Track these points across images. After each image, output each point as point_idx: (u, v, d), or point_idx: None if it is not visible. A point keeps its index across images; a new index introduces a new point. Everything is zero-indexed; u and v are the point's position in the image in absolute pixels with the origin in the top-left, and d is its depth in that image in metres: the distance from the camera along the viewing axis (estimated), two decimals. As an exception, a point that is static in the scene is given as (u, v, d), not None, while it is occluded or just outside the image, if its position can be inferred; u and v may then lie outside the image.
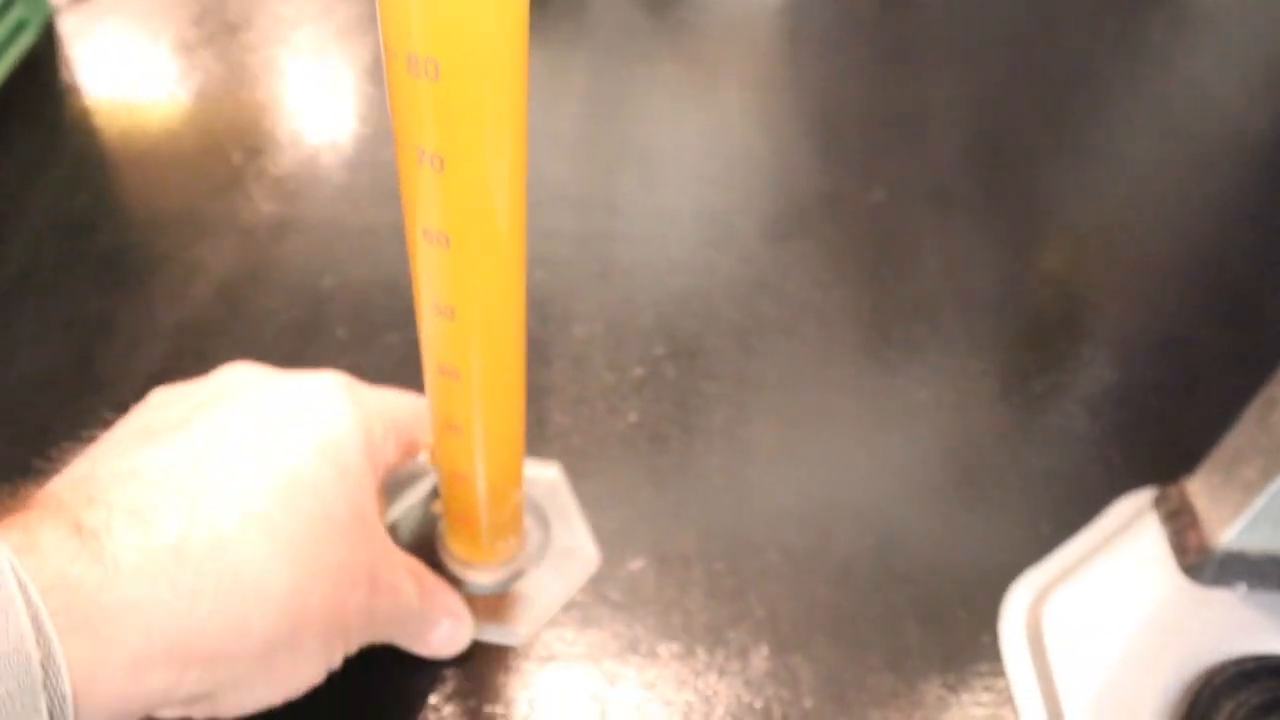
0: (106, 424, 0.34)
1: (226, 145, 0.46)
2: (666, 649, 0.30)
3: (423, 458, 0.31)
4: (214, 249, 0.41)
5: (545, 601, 0.31)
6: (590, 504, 0.34)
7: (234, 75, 0.50)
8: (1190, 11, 0.64)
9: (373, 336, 0.38)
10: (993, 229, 0.45)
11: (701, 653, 0.30)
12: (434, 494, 0.33)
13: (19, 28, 0.50)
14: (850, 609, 0.32)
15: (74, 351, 0.37)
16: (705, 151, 0.48)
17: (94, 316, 0.38)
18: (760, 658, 0.30)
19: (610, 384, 0.37)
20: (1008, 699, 0.30)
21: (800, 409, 0.37)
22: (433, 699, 0.29)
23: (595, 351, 0.38)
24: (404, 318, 0.39)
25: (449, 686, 0.30)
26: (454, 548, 0.32)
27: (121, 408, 0.34)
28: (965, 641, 0.32)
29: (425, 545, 0.32)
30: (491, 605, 0.31)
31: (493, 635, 0.31)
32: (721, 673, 0.30)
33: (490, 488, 0.28)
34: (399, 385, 0.35)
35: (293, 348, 0.38)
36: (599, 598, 0.32)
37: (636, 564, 0.32)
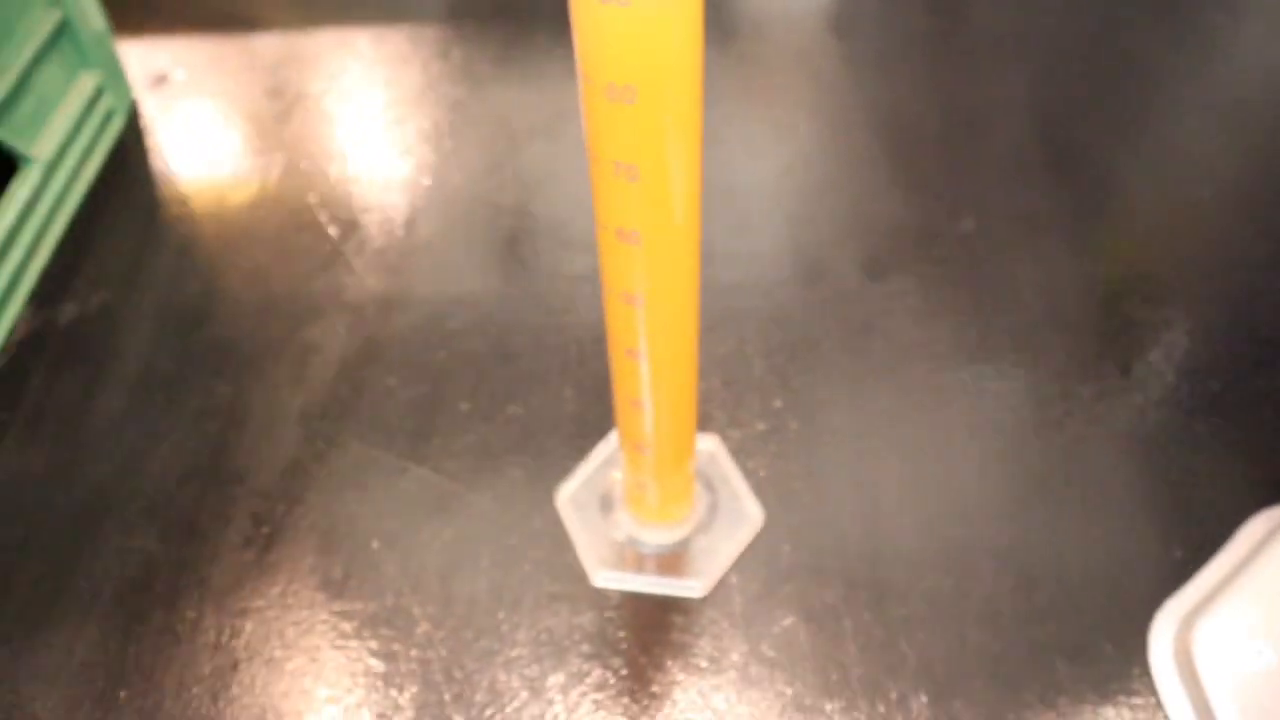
0: (253, 516, 0.35)
1: (321, 219, 0.47)
2: (831, 705, 0.31)
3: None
4: (326, 329, 0.42)
5: (720, 557, 0.34)
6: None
7: (317, 146, 0.51)
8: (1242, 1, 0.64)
9: (495, 409, 0.39)
10: (1082, 244, 0.46)
11: (864, 705, 0.31)
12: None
13: (108, 118, 0.51)
14: (998, 649, 0.33)
15: (208, 442, 0.38)
16: (789, 189, 0.48)
17: (222, 406, 0.39)
18: (920, 705, 0.31)
19: (737, 440, 0.38)
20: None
21: (919, 449, 0.38)
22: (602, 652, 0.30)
23: (715, 410, 0.39)
24: (523, 387, 0.40)
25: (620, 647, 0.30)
26: (634, 511, 0.34)
27: (265, 496, 0.35)
28: (1115, 674, 0.32)
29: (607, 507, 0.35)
30: (669, 562, 0.34)
31: (673, 589, 0.33)
32: (885, 725, 0.31)
33: (665, 456, 0.31)
34: (525, 457, 0.36)
35: (419, 424, 0.39)
36: (755, 656, 0.32)
37: (787, 621, 0.33)
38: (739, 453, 0.37)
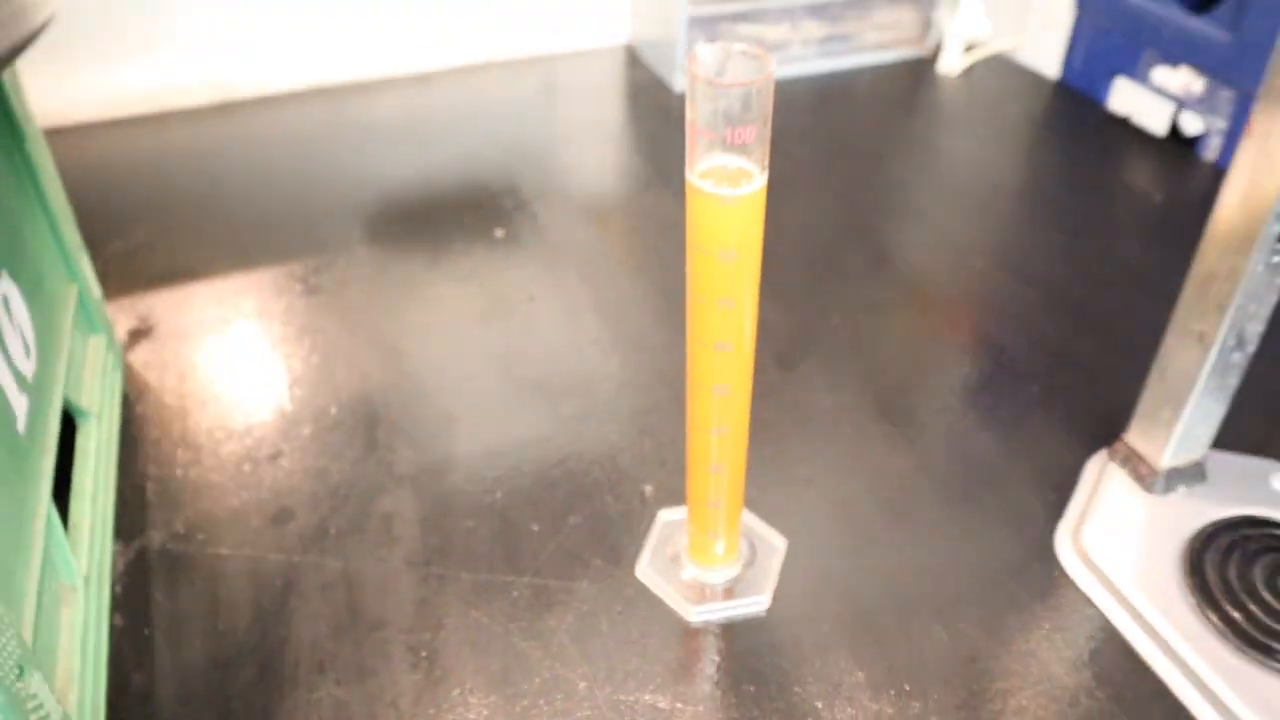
0: (409, 648, 0.43)
1: (346, 418, 0.56)
2: (866, 639, 0.44)
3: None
4: (395, 498, 0.51)
5: (767, 580, 0.47)
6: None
7: (320, 362, 0.60)
8: (944, 116, 0.88)
9: (559, 522, 0.50)
10: (911, 312, 0.63)
11: (879, 632, 0.44)
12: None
13: (113, 370, 0.57)
14: (960, 582, 0.47)
15: (341, 605, 0.46)
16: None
17: (337, 577, 0.47)
18: (924, 621, 0.44)
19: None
20: (1084, 596, 0.46)
21: (854, 475, 0.52)
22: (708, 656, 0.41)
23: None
24: (574, 502, 0.51)
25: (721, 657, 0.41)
26: (700, 561, 0.47)
27: (410, 630, 0.43)
28: (1044, 578, 0.47)
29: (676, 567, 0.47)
30: (729, 590, 0.46)
31: (742, 609, 0.46)
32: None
33: (732, 508, 0.44)
34: (600, 549, 0.47)
35: (506, 548, 0.48)
36: (811, 624, 0.45)
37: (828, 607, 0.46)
38: (751, 504, 0.50)
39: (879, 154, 0.84)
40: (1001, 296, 0.66)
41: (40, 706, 0.35)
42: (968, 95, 0.95)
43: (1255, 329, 0.46)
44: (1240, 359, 0.47)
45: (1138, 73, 0.89)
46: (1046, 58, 0.98)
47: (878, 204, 0.77)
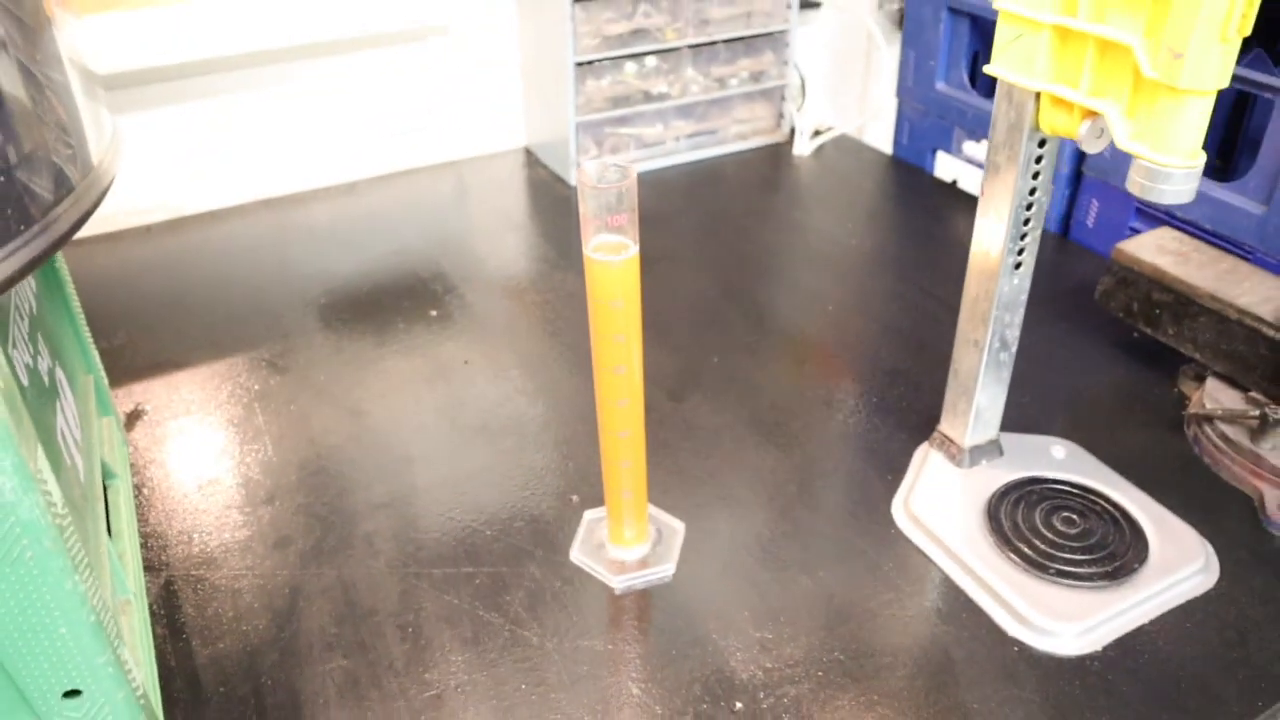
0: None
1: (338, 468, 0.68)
2: (766, 576, 0.58)
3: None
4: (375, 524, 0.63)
5: (672, 554, 0.60)
6: (683, 551, 0.61)
7: (291, 436, 0.72)
8: (799, 189, 1.06)
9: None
10: (777, 350, 0.79)
11: (763, 574, 0.58)
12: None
13: (121, 445, 0.69)
14: (835, 543, 0.61)
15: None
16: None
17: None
18: (797, 573, 0.59)
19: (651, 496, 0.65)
20: (915, 547, 0.61)
21: (739, 478, 0.67)
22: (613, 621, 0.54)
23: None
24: (498, 548, 0.64)
25: (630, 614, 0.55)
26: (618, 543, 0.60)
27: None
28: (883, 535, 0.62)
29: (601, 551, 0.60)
30: (642, 563, 0.59)
31: (654, 576, 0.59)
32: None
33: (638, 497, 0.57)
34: (539, 555, 0.60)
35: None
36: (704, 582, 0.58)
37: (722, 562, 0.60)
38: (656, 500, 0.64)
39: (746, 226, 1.01)
40: (847, 332, 0.82)
41: (131, 673, 0.46)
42: (819, 172, 1.13)
43: (1013, 334, 0.62)
44: (1006, 358, 0.63)
45: (952, 146, 1.08)
46: (881, 137, 1.18)
47: (747, 267, 0.93)
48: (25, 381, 0.46)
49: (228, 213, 1.05)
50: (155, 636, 0.56)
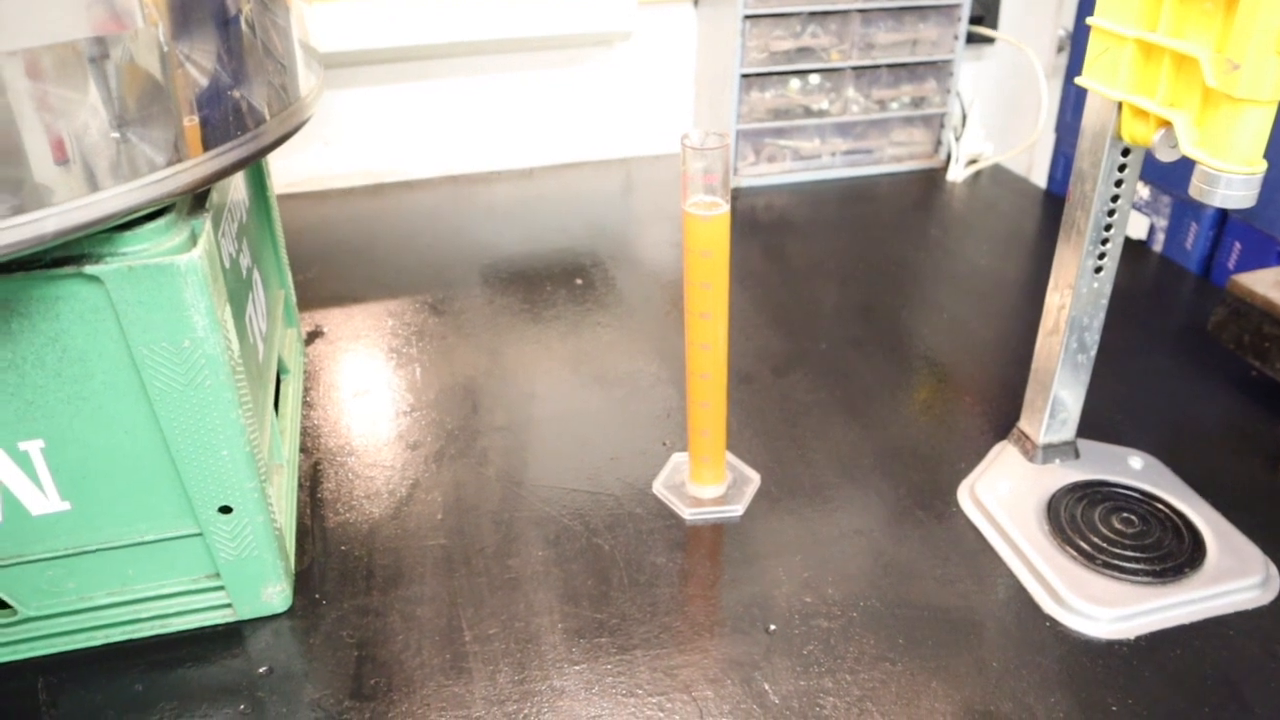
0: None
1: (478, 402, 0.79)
2: (811, 513, 0.63)
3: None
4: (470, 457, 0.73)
5: (743, 499, 0.66)
6: (752, 498, 0.67)
7: (443, 373, 0.83)
8: (947, 214, 1.09)
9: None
10: (888, 350, 0.84)
11: (812, 506, 0.63)
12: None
13: (302, 353, 0.81)
14: (897, 513, 0.66)
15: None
16: (719, 341, 0.85)
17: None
18: (856, 531, 0.64)
19: (738, 450, 0.71)
20: (971, 525, 0.65)
21: (831, 442, 0.72)
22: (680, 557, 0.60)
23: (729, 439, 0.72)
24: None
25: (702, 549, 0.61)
26: (697, 481, 0.66)
27: None
28: (945, 513, 0.66)
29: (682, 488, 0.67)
30: (715, 501, 0.66)
31: (723, 514, 0.65)
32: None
33: (717, 437, 0.64)
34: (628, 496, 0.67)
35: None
36: (775, 531, 0.64)
37: (785, 518, 0.65)
38: (740, 455, 0.71)
39: (885, 239, 1.05)
40: (958, 340, 0.86)
41: (273, 510, 0.57)
42: (968, 199, 1.16)
43: (1092, 337, 0.65)
44: (1085, 360, 0.66)
45: (1104, 183, 1.09)
46: (1036, 169, 1.19)
47: (877, 276, 0.98)
48: (226, 265, 0.58)
49: (418, 183, 1.19)
50: (299, 502, 0.67)
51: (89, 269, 0.46)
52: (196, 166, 0.49)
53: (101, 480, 0.52)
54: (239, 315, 0.59)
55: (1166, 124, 0.53)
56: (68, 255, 0.46)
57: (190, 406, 0.50)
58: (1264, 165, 0.50)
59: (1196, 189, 0.51)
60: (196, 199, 0.53)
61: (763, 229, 1.09)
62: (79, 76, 0.43)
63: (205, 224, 0.50)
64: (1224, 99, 0.49)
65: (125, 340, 0.48)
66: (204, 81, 0.50)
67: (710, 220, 0.56)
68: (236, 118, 0.52)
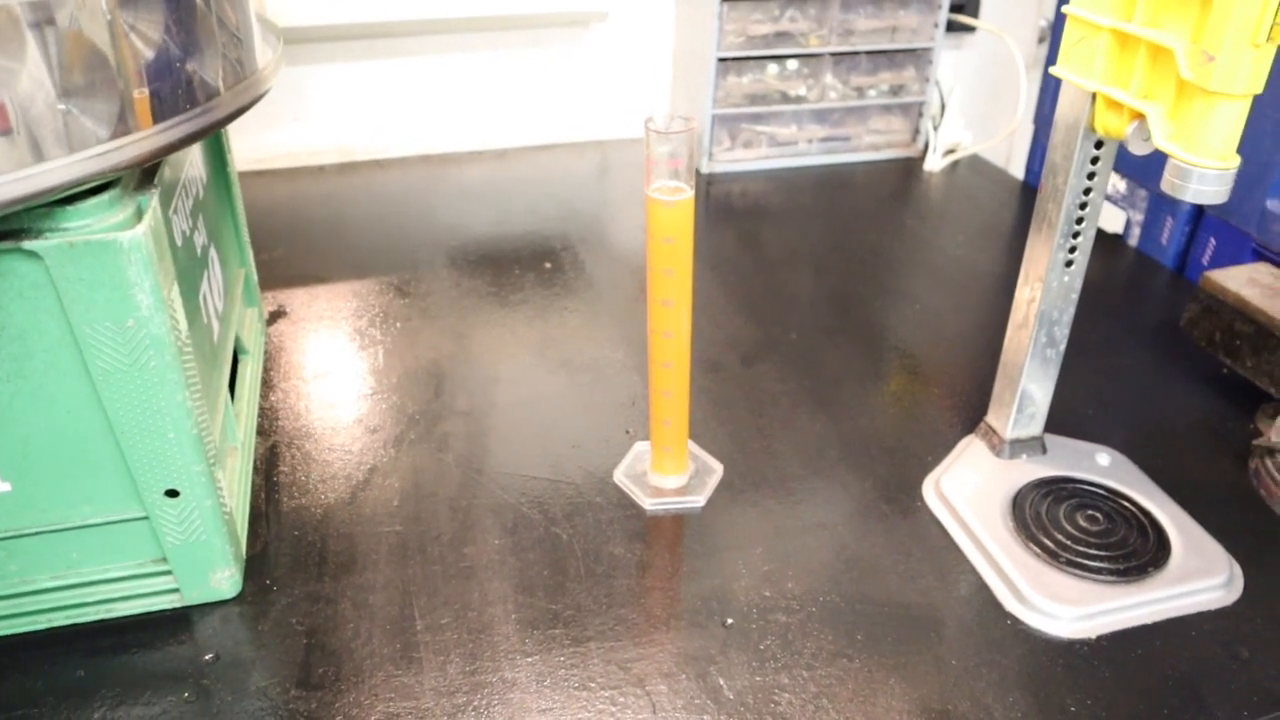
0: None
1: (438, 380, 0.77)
2: (772, 502, 0.62)
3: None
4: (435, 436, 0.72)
5: (705, 489, 0.65)
6: (716, 489, 0.66)
7: (412, 351, 0.82)
8: (923, 203, 1.09)
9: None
10: (859, 340, 0.83)
11: (773, 496, 0.63)
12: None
13: (263, 335, 0.80)
14: (864, 504, 0.65)
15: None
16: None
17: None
18: (819, 531, 0.63)
19: (701, 440, 0.70)
20: (935, 520, 0.64)
21: (793, 430, 0.71)
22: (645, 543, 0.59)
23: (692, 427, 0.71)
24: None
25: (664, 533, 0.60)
26: (659, 470, 0.65)
27: None
28: (909, 506, 0.65)
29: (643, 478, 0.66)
30: (676, 491, 0.65)
31: (684, 505, 0.64)
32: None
33: (679, 426, 0.63)
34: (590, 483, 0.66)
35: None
36: (731, 521, 0.63)
37: (742, 508, 0.65)
38: (704, 445, 0.70)
39: (861, 228, 1.04)
40: (929, 331, 0.85)
41: (222, 493, 0.55)
42: (945, 189, 1.16)
43: (1061, 332, 0.64)
44: (1054, 355, 0.65)
45: (1081, 176, 1.08)
46: (1014, 160, 1.19)
47: (851, 264, 0.97)
48: (178, 242, 0.56)
49: (391, 162, 1.17)
50: (254, 485, 0.66)
51: (28, 244, 0.44)
52: (143, 140, 0.47)
53: (43, 461, 0.51)
54: (191, 295, 0.57)
55: (1140, 116, 0.52)
56: (7, 230, 0.45)
57: (134, 388, 0.49)
58: (1237, 160, 0.49)
59: (1169, 183, 0.50)
60: (145, 174, 0.51)
61: (736, 215, 1.08)
62: (17, 44, 0.41)
63: (153, 200, 0.49)
64: (1198, 92, 0.48)
65: (66, 319, 0.47)
66: (151, 52, 0.48)
67: (674, 205, 0.55)
68: (187, 90, 0.50)
